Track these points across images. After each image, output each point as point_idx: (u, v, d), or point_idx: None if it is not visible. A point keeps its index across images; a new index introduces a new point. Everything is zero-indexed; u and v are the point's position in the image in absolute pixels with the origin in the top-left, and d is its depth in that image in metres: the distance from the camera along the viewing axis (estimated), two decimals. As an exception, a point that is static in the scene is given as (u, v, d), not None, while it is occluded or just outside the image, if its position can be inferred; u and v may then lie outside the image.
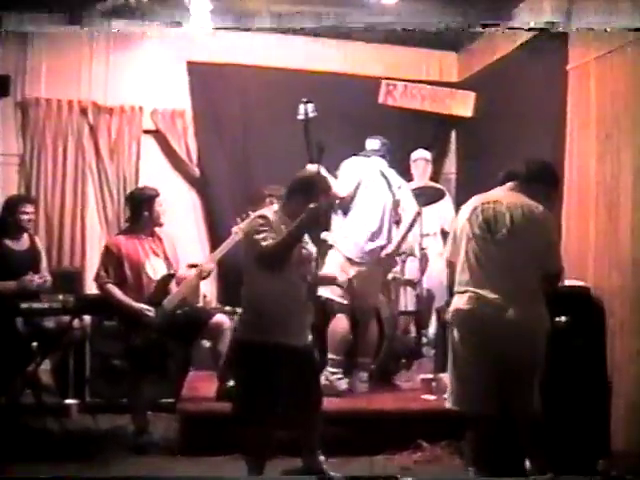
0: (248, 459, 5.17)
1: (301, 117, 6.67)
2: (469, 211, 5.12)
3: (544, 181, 5.20)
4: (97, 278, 6.51)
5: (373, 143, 7.44)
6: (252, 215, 5.44)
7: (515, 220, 4.96)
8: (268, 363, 4.99)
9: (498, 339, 4.84)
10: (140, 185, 6.99)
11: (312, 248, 5.36)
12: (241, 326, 5.32)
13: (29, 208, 7.05)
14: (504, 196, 5.12)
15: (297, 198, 5.17)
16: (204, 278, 6.84)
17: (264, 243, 4.96)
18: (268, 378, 4.97)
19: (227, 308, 7.99)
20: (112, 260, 6.45)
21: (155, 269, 6.53)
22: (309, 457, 5.46)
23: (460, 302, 5.05)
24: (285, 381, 4.99)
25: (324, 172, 6.12)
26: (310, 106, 6.68)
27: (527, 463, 4.99)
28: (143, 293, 6.44)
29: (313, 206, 4.93)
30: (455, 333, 5.06)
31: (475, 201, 5.16)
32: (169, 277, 6.56)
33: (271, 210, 5.29)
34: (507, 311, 4.84)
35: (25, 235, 7.02)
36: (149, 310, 6.33)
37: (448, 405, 5.11)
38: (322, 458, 5.49)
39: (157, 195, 6.60)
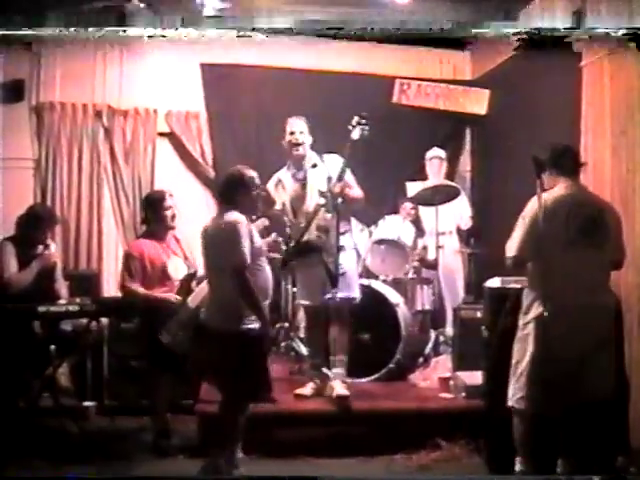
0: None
1: (356, 138, 6.60)
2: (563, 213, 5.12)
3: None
4: (122, 282, 6.52)
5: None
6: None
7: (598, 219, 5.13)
8: None
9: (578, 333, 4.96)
10: (154, 188, 6.99)
11: None
12: None
13: (53, 228, 7.11)
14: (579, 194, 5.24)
15: None
16: None
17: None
18: None
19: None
20: (135, 264, 6.46)
21: (177, 269, 6.56)
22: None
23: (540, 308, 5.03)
24: None
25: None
26: (366, 128, 6.62)
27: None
28: (167, 293, 6.46)
29: None
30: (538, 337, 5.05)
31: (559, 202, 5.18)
32: (191, 276, 6.56)
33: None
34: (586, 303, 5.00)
35: None
36: (176, 297, 6.34)
37: (518, 406, 5.10)
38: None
39: (162, 198, 6.60)
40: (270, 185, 6.89)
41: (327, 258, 6.49)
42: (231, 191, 5.60)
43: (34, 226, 6.93)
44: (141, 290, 6.40)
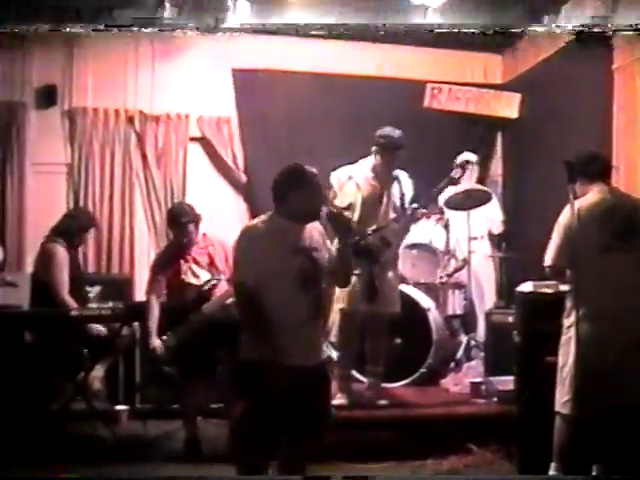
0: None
1: (457, 177, 6.77)
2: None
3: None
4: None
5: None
6: None
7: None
8: None
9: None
10: (186, 194, 6.98)
11: None
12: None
13: (92, 233, 7.20)
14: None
15: None
16: None
17: None
18: None
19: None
20: (157, 280, 6.48)
21: (199, 277, 6.50)
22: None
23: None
24: None
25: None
26: (467, 172, 6.85)
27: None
28: (185, 302, 6.43)
29: None
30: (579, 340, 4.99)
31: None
32: (207, 283, 6.50)
33: None
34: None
35: None
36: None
37: (563, 410, 5.06)
38: None
39: (181, 214, 6.51)
40: (340, 177, 6.83)
41: (376, 270, 6.52)
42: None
43: (82, 232, 7.03)
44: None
